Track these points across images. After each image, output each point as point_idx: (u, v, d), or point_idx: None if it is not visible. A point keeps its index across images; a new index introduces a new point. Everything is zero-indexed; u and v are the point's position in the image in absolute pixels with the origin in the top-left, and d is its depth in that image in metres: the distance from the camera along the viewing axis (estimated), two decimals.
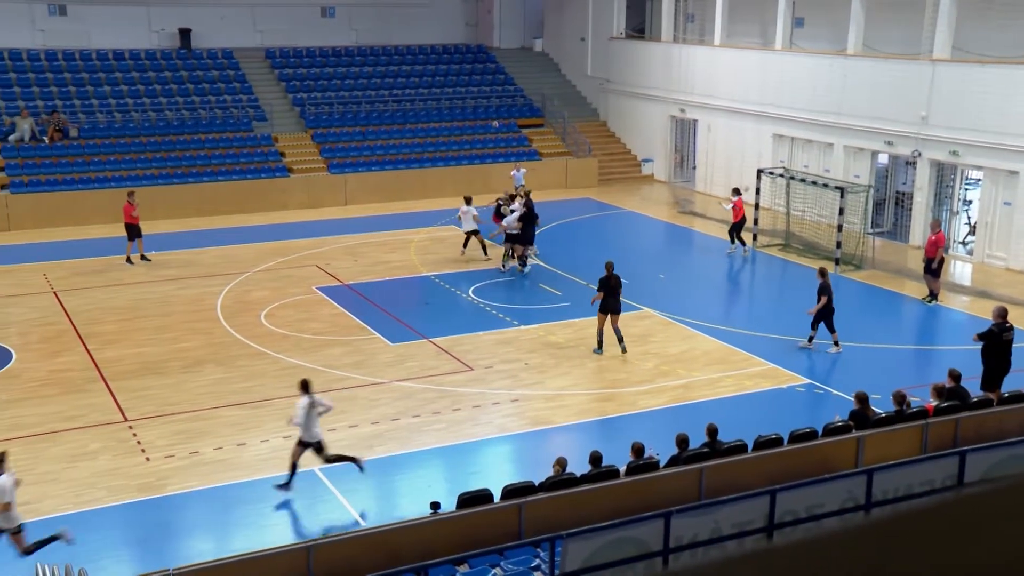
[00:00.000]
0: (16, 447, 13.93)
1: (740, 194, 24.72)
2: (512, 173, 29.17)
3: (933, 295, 20.88)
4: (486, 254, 23.81)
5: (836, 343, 17.74)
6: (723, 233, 25.66)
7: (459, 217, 24.42)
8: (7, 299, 20.98)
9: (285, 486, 12.60)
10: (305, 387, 12.82)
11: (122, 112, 30.96)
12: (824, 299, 17.35)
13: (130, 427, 14.68)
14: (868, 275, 23.08)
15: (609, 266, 17.62)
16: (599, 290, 17.55)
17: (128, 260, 23.52)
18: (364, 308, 20.40)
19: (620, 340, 17.68)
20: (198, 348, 18.06)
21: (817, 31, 30.24)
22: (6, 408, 15.35)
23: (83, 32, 33.49)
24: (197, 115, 31.52)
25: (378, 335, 18.75)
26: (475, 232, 23.90)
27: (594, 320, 18.01)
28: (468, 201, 24.13)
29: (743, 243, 24.85)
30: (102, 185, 28.15)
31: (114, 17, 33.72)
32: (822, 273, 17.75)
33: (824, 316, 17.52)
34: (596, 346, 17.83)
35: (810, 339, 17.82)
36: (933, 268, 20.68)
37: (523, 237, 22.82)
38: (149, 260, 23.68)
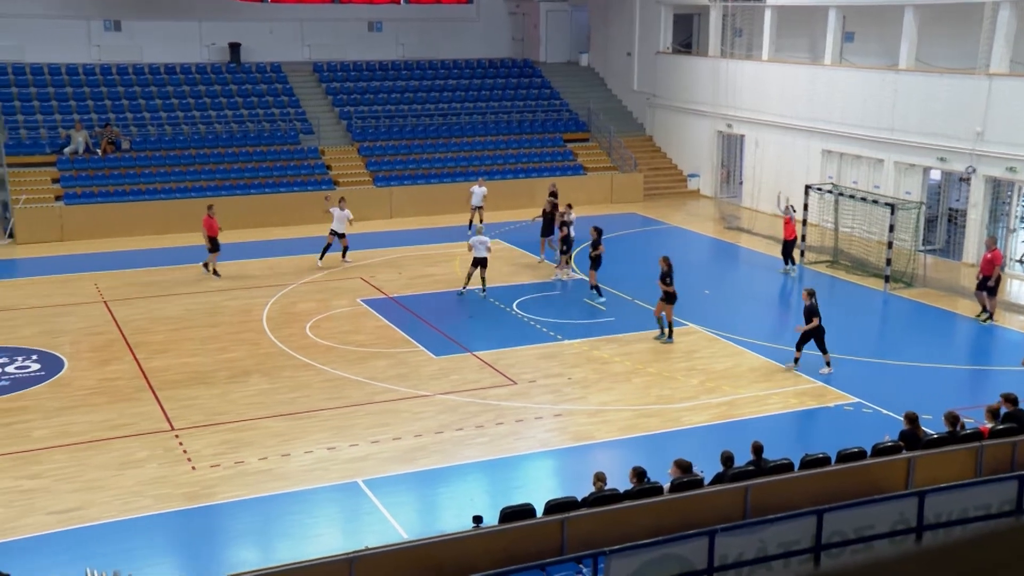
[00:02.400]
0: (63, 454, 14.16)
1: (793, 211, 24.31)
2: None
3: (988, 313, 20.45)
4: (320, 260, 24.41)
5: (828, 364, 17.40)
6: (769, 248, 25.37)
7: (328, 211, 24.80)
8: (60, 308, 21.35)
9: None
10: None
11: (173, 125, 31.45)
12: (816, 320, 17.07)
13: (176, 436, 14.83)
14: (919, 293, 22.69)
15: (665, 260, 18.93)
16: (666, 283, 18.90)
17: (205, 267, 23.74)
18: (408, 321, 20.45)
19: (671, 330, 19.20)
20: (244, 358, 18.22)
21: (868, 46, 29.88)
22: (57, 415, 15.59)
23: (136, 47, 34.12)
24: (245, 128, 31.92)
25: (422, 348, 18.78)
26: (334, 233, 24.40)
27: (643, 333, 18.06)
28: (340, 202, 24.80)
29: (792, 262, 24.45)
30: (152, 197, 28.61)
31: (166, 32, 34.32)
32: (810, 294, 17.44)
33: (816, 337, 17.19)
34: (663, 333, 19.18)
35: (796, 360, 17.49)
36: (989, 286, 20.28)
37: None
38: (219, 276, 23.76)
